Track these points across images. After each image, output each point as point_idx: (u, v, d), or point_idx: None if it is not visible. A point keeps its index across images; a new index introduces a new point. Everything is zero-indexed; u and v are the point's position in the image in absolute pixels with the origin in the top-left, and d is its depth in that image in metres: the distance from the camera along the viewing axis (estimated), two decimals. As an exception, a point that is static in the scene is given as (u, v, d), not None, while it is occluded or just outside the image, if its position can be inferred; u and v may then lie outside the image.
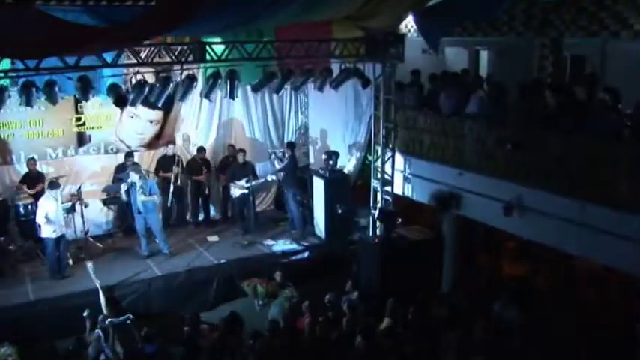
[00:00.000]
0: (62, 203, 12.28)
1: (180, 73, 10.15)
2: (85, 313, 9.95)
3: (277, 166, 14.14)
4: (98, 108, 13.63)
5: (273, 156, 14.60)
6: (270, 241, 13.78)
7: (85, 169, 14.04)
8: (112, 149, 14.27)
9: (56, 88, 9.29)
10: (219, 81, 10.64)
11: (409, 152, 12.61)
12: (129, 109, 13.59)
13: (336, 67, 12.10)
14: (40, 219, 11.42)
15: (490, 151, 10.56)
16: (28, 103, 9.20)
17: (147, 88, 9.88)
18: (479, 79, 12.43)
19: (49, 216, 11.36)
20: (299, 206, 14.15)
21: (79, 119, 13.72)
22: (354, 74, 12.02)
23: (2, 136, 13.15)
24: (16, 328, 10.22)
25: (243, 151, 14.28)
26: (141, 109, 13.74)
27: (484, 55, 14.69)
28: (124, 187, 12.67)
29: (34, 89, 9.11)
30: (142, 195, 12.32)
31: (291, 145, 14.70)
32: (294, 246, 13.58)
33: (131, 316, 10.28)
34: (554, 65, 12.28)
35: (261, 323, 10.25)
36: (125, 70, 10.08)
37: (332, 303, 10.59)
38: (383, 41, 11.74)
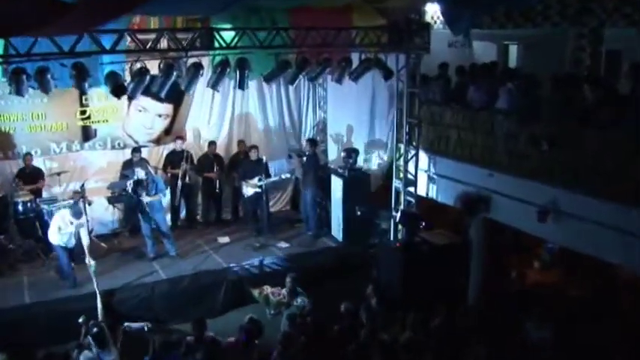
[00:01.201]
0: (63, 201, 11.93)
1: (185, 61, 9.46)
2: (80, 320, 9.33)
3: (297, 164, 13.44)
4: (104, 101, 13.07)
5: (292, 154, 14.03)
6: (284, 244, 13.16)
7: (91, 164, 13.53)
8: (118, 144, 13.72)
9: (48, 76, 8.64)
10: (228, 70, 9.95)
11: (434, 150, 11.97)
12: (137, 102, 13.22)
13: (355, 58, 11.40)
14: (50, 229, 10.94)
15: (523, 149, 9.87)
16: (19, 92, 8.56)
17: (148, 77, 9.18)
18: (508, 71, 11.66)
19: (61, 235, 10.84)
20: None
21: (83, 112, 13.16)
22: (376, 65, 11.27)
23: (3, 129, 12.64)
24: (8, 333, 9.69)
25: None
26: (149, 102, 13.38)
27: (513, 49, 14.14)
28: (129, 184, 12.08)
29: (24, 77, 8.46)
30: (146, 193, 11.81)
31: (312, 142, 14.07)
32: (308, 249, 12.96)
33: (149, 324, 9.68)
34: (592, 57, 11.51)
35: (272, 333, 9.62)
36: (127, 58, 9.40)
37: (349, 312, 9.89)
38: (407, 30, 11.07)
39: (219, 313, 11.24)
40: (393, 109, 12.68)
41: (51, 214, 11.58)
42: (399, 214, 11.73)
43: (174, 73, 9.41)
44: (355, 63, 11.34)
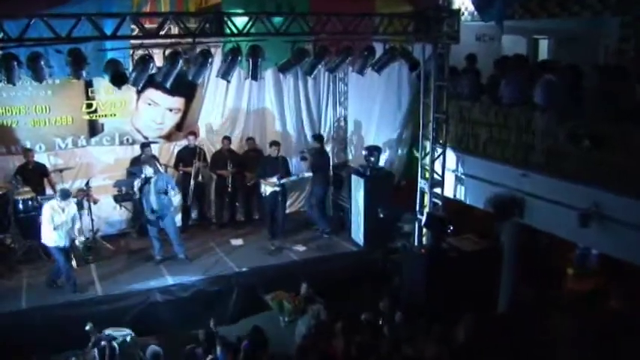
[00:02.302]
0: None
1: (193, 49, 8.77)
2: (87, 327, 8.88)
3: (303, 164, 12.95)
4: (111, 93, 12.55)
5: (306, 155, 13.48)
6: (300, 247, 12.52)
7: (97, 161, 13.05)
8: (127, 140, 13.20)
9: (42, 63, 7.99)
10: (240, 59, 9.24)
11: (462, 148, 11.19)
12: (146, 95, 12.83)
13: (378, 48, 10.65)
14: (43, 226, 10.31)
15: (562, 147, 9.04)
16: (10, 79, 7.88)
17: (151, 65, 8.49)
18: (546, 62, 10.88)
19: (56, 227, 10.19)
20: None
21: (89, 105, 12.65)
22: (401, 55, 10.52)
23: (5, 123, 12.15)
24: (2, 340, 9.16)
25: (276, 143, 12.86)
26: (159, 96, 12.91)
27: (543, 44, 13.51)
28: (137, 182, 11.51)
29: (15, 63, 7.79)
30: (154, 192, 11.30)
31: (318, 138, 13.56)
32: (326, 253, 12.31)
33: (132, 333, 9.10)
34: (637, 49, 10.68)
35: (287, 342, 9.39)
36: (130, 45, 8.75)
37: (369, 323, 9.38)
38: (434, 17, 10.27)
39: (229, 320, 10.67)
40: (417, 105, 11.89)
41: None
42: (424, 217, 10.95)
43: (181, 62, 8.69)
44: (379, 53, 10.59)
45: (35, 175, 11.93)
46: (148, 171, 11.28)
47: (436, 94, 10.93)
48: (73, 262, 11.18)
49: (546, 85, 9.62)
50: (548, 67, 10.31)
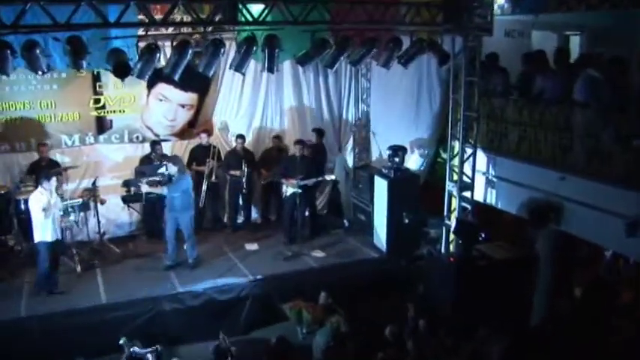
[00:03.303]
0: (71, 199, 10.89)
1: (204, 38, 8.17)
2: (121, 341, 8.53)
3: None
4: (120, 88, 12.07)
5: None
6: (319, 253, 11.93)
7: (106, 159, 12.59)
8: (137, 137, 12.71)
9: (37, 52, 7.43)
10: (255, 49, 8.62)
11: (494, 149, 10.68)
12: (157, 90, 12.37)
13: (405, 39, 10.04)
14: (34, 219, 9.77)
15: (605, 148, 8.48)
16: (3, 70, 7.33)
17: (158, 56, 7.88)
18: (588, 56, 10.21)
19: (44, 215, 9.65)
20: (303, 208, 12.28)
21: (97, 101, 12.17)
22: (429, 48, 9.90)
23: (9, 119, 11.69)
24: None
25: (302, 142, 12.32)
26: (171, 91, 12.45)
27: (575, 40, 12.81)
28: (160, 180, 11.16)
29: (8, 52, 7.23)
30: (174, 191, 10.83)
31: (318, 132, 13.15)
32: (351, 259, 11.76)
33: (159, 347, 8.71)
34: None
35: (305, 356, 8.80)
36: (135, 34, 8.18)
37: (394, 337, 8.75)
38: (465, 7, 9.65)
39: (241, 331, 10.09)
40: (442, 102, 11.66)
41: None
42: (454, 223, 10.28)
43: (190, 52, 8.07)
44: (405, 45, 10.00)
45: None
46: (171, 169, 10.79)
47: (466, 91, 10.36)
48: (78, 268, 10.75)
49: (588, 81, 9.08)
50: (590, 61, 9.72)
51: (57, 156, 12.03)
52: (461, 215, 10.61)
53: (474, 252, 10.10)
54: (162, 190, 10.93)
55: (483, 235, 10.04)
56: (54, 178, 9.87)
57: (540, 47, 12.16)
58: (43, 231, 9.77)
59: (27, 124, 11.76)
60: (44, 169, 11.07)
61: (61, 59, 8.03)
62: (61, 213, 10.12)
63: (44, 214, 9.61)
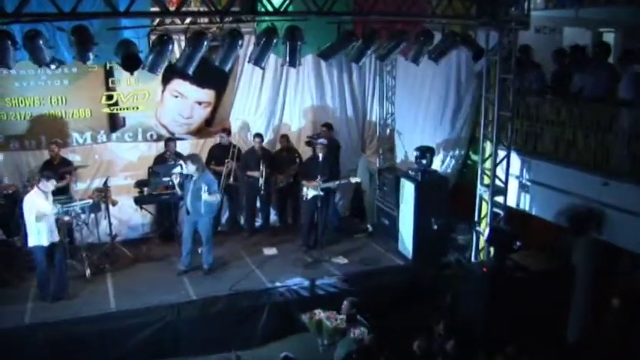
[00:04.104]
0: (80, 200, 10.44)
1: (220, 29, 7.65)
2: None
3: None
4: (134, 84, 11.74)
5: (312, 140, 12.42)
6: (341, 259, 11.42)
7: (118, 158, 12.24)
8: (151, 136, 12.29)
9: (40, 42, 6.95)
10: (275, 41, 8.09)
11: (528, 151, 10.13)
12: (172, 86, 11.94)
13: (436, 33, 9.54)
14: (26, 222, 9.34)
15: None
16: (3, 62, 6.86)
17: (170, 48, 7.36)
18: (631, 52, 9.61)
19: (39, 218, 9.22)
20: (324, 211, 11.71)
21: (109, 97, 11.77)
22: (462, 42, 9.34)
23: (18, 116, 11.34)
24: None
25: (324, 143, 11.74)
26: (187, 87, 12.05)
27: (609, 38, 12.44)
28: (176, 179, 10.62)
29: (9, 43, 6.77)
30: (192, 192, 10.34)
31: (329, 127, 12.62)
32: (375, 266, 11.22)
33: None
34: None
35: None
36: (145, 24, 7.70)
37: (423, 352, 8.35)
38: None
39: (258, 343, 9.65)
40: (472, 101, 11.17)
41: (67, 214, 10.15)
42: (487, 231, 9.67)
43: (205, 44, 7.54)
44: (435, 39, 9.47)
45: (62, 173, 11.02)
46: (190, 168, 10.31)
47: (501, 89, 9.77)
48: (87, 272, 10.33)
49: (635, 78, 8.56)
50: (635, 57, 9.11)
51: (68, 155, 11.59)
52: (493, 221, 10.03)
53: (508, 262, 9.47)
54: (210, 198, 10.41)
55: (518, 244, 9.44)
56: (52, 180, 9.40)
57: (573, 44, 11.75)
58: (38, 234, 9.31)
59: (36, 121, 11.42)
60: (52, 169, 10.71)
61: (68, 51, 7.56)
62: (57, 216, 9.60)
63: (34, 217, 9.15)
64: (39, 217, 9.12)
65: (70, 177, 11.34)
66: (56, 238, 9.61)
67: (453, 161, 12.35)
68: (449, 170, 12.31)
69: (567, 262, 9.68)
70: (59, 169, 10.86)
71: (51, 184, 9.36)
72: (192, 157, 10.58)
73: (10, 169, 11.42)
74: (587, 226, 8.74)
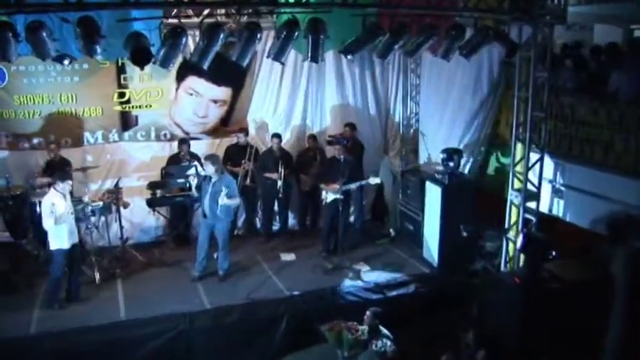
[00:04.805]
0: (94, 202, 10.13)
1: (237, 21, 7.19)
2: None
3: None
4: (147, 81, 11.36)
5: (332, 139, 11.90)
6: (363, 266, 10.91)
7: (131, 158, 11.86)
8: (164, 135, 11.88)
9: (43, 35, 6.51)
10: (296, 34, 7.62)
11: (562, 154, 9.82)
12: (187, 84, 11.53)
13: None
14: (47, 224, 8.92)
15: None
16: (4, 55, 6.47)
17: (184, 40, 6.90)
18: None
19: (54, 221, 8.85)
20: (336, 217, 11.10)
21: (122, 95, 11.37)
22: (495, 37, 8.83)
23: (27, 114, 10.97)
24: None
25: (344, 144, 11.31)
26: (202, 85, 11.64)
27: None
28: (194, 180, 10.19)
29: (10, 35, 6.36)
30: (209, 195, 9.91)
31: (352, 126, 12.23)
32: (395, 275, 10.62)
33: None
34: None
35: None
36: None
37: None
38: (535, -8, 8.62)
39: (275, 355, 9.12)
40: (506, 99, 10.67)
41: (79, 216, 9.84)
42: (520, 239, 9.14)
43: (221, 37, 7.08)
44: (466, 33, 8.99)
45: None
46: (209, 169, 9.89)
47: (534, 88, 9.23)
48: (97, 276, 9.95)
49: None
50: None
51: (78, 154, 11.29)
52: (525, 228, 9.52)
53: (542, 272, 8.95)
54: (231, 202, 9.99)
55: (554, 253, 8.93)
56: (68, 181, 9.08)
57: (604, 41, 11.30)
58: (58, 238, 8.98)
59: (46, 119, 11.06)
60: (58, 169, 10.37)
61: (76, 46, 7.12)
62: (74, 218, 9.30)
63: (53, 220, 8.79)
64: (57, 216, 8.77)
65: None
66: (76, 239, 9.33)
67: (474, 161, 11.85)
68: (468, 170, 11.81)
69: (604, 272, 9.14)
70: (63, 170, 10.35)
71: (67, 185, 9.01)
72: (212, 158, 10.14)
73: (19, 169, 11.04)
74: (627, 234, 8.17)
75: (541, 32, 8.96)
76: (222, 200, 9.76)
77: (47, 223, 8.89)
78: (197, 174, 10.23)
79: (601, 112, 8.94)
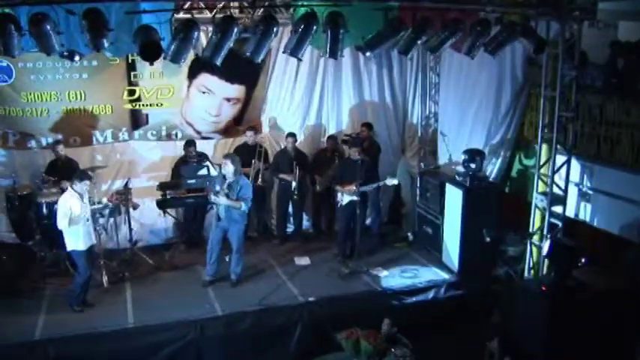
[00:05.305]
0: (99, 204, 9.73)
1: (252, 16, 6.84)
2: None
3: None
4: (158, 78, 11.03)
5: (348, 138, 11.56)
6: (381, 271, 10.56)
7: (141, 158, 11.56)
8: (175, 134, 11.55)
9: (47, 28, 6.20)
10: (315, 28, 7.25)
11: (590, 156, 9.36)
12: (199, 81, 11.20)
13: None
14: (61, 224, 8.61)
15: None
16: (7, 49, 6.15)
17: (196, 34, 6.54)
18: None
19: (74, 220, 8.58)
20: (352, 219, 10.77)
21: (132, 92, 11.04)
22: (522, 33, 8.42)
23: (34, 112, 10.65)
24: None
25: (361, 145, 10.95)
26: (215, 82, 11.32)
27: None
28: (221, 184, 9.78)
29: (12, 27, 6.02)
30: (222, 196, 9.51)
31: (369, 126, 11.89)
32: (415, 280, 10.28)
33: None
34: None
35: None
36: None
37: None
38: (564, -14, 8.25)
39: (289, 364, 8.88)
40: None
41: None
42: (547, 245, 8.74)
43: (235, 32, 6.72)
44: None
45: (67, 173, 10.13)
46: (228, 168, 9.54)
47: (562, 87, 8.90)
48: (104, 279, 9.65)
49: None
50: None
51: (87, 154, 11.01)
52: (553, 234, 9.16)
53: (570, 281, 8.54)
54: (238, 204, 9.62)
55: (583, 260, 8.52)
56: (86, 181, 8.73)
57: (629, 39, 10.88)
58: (74, 239, 8.72)
59: (54, 117, 10.72)
60: (62, 169, 10.23)
61: (83, 41, 6.79)
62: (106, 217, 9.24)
63: (68, 221, 8.50)
64: (72, 218, 8.50)
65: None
66: (94, 240, 9.09)
67: (499, 165, 11.43)
68: (493, 175, 11.41)
69: (635, 280, 8.75)
70: (64, 171, 10.19)
71: (85, 185, 8.71)
72: (232, 157, 9.78)
73: (26, 168, 10.79)
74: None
75: (569, 29, 8.60)
76: (223, 199, 9.45)
77: (61, 224, 8.59)
78: (209, 175, 10.05)
79: (633, 111, 8.54)
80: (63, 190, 9.77)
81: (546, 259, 9.20)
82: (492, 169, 11.29)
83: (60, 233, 9.11)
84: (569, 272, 8.38)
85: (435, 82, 12.47)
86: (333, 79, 12.04)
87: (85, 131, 11.00)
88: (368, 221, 11.80)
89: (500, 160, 11.27)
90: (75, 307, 8.96)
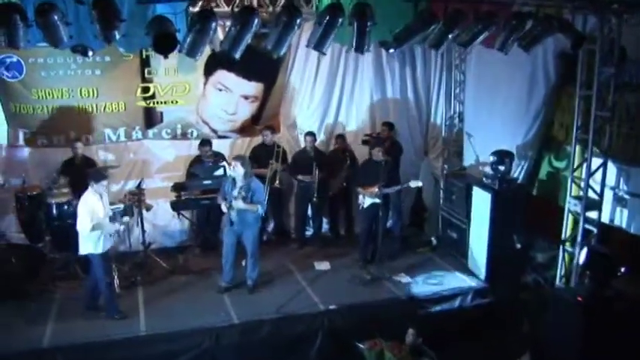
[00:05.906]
0: (111, 203, 9.19)
1: (273, 10, 6.45)
2: None
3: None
4: (173, 75, 10.71)
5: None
6: (404, 277, 10.16)
7: (155, 158, 11.27)
8: (191, 133, 11.22)
9: (55, 18, 5.85)
10: (341, 21, 6.83)
11: (627, 159, 8.87)
12: (216, 78, 10.89)
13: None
14: (81, 226, 8.20)
15: None
16: (12, 41, 5.79)
17: (213, 26, 6.15)
18: None
19: (94, 222, 8.16)
20: (374, 223, 10.43)
21: (146, 89, 10.72)
22: (559, 28, 7.97)
23: (46, 109, 10.39)
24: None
25: (382, 145, 10.49)
26: (233, 79, 11.00)
27: None
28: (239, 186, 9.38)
29: (18, 18, 5.67)
30: (239, 199, 9.10)
31: (389, 126, 11.47)
32: (440, 287, 9.87)
33: None
34: None
35: None
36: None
37: None
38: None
39: (310, 375, 8.52)
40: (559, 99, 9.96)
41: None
42: (583, 254, 8.28)
43: (255, 23, 6.32)
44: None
45: (84, 173, 9.57)
46: (238, 170, 9.15)
47: (599, 85, 8.44)
48: (116, 283, 9.25)
49: None
50: None
51: (99, 153, 10.83)
52: (588, 241, 8.72)
53: (607, 291, 8.08)
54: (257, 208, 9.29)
55: (623, 270, 8.06)
56: (103, 182, 8.34)
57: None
58: (94, 241, 8.28)
59: (65, 114, 10.45)
60: (79, 169, 9.83)
61: (92, 32, 6.43)
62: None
63: (91, 224, 8.07)
64: (98, 226, 8.14)
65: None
66: (112, 242, 8.78)
67: (526, 167, 11.00)
68: (520, 177, 10.97)
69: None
70: (80, 170, 9.74)
71: (102, 186, 8.31)
72: (242, 159, 9.42)
73: (37, 167, 10.53)
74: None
75: (609, 25, 8.15)
76: (238, 203, 9.06)
77: (82, 226, 8.14)
78: (225, 175, 9.69)
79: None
80: (74, 192, 9.55)
81: (582, 268, 8.77)
82: (519, 170, 10.85)
83: (71, 235, 8.77)
84: (608, 282, 7.94)
85: (460, 80, 12.04)
86: (352, 77, 11.68)
87: (98, 129, 10.68)
88: (389, 224, 11.42)
89: (527, 161, 10.88)
90: (116, 316, 8.60)
